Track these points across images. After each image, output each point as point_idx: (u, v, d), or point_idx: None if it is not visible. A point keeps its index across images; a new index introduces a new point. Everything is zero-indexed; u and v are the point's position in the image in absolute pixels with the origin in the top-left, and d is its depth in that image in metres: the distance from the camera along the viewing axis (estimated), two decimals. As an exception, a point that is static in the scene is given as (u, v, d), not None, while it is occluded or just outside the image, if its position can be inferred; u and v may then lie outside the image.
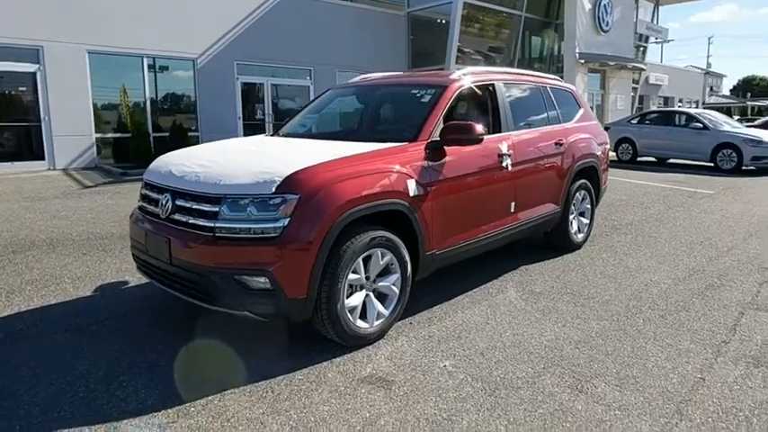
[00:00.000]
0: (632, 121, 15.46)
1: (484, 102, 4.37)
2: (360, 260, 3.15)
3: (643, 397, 2.69)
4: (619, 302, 4.01)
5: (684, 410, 2.56)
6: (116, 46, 12.89)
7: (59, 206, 7.79)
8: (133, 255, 3.66)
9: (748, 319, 3.68)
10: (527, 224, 4.60)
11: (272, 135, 4.61)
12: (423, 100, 3.98)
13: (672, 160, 14.43)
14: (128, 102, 13.15)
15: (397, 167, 3.36)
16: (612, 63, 21.22)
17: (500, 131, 4.33)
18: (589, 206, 5.61)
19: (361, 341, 3.24)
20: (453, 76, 4.17)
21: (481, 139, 3.70)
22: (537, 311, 3.82)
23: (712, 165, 12.88)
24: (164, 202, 3.22)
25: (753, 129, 14.72)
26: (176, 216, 3.14)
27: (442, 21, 19.67)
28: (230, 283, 2.90)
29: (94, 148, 12.93)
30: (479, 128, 3.64)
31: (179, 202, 3.15)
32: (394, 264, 3.36)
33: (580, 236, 5.50)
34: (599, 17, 20.65)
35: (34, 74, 12.11)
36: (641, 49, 26.29)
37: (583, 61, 20.00)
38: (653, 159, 14.89)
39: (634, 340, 3.35)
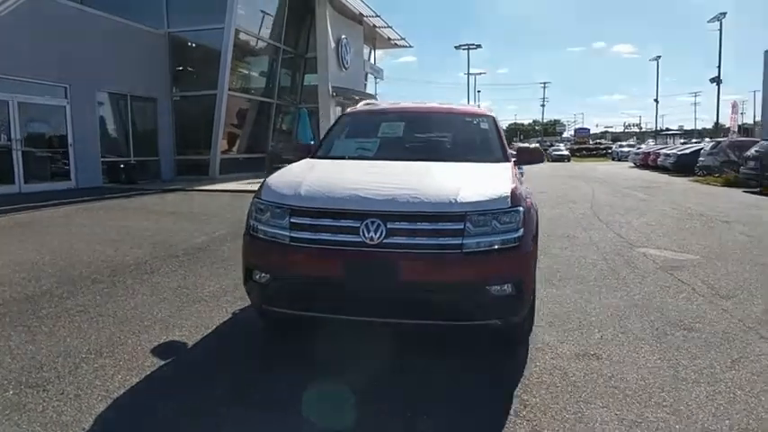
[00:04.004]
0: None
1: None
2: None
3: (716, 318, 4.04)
4: (610, 276, 5.39)
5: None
6: None
7: None
8: (298, 292, 3.21)
9: (639, 255, 5.52)
10: None
11: (322, 158, 4.42)
12: (483, 126, 4.62)
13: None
14: None
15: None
16: (357, 97, 23.98)
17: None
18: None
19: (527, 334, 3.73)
20: (485, 109, 4.92)
21: (543, 160, 4.58)
22: (574, 293, 4.88)
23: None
24: (371, 228, 3.05)
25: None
26: (395, 239, 3.06)
27: (192, 44, 19.11)
28: (481, 294, 3.06)
29: None
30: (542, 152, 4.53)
31: (396, 225, 3.07)
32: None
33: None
34: (341, 55, 23.15)
35: None
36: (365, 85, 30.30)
37: (334, 94, 22.11)
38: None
39: (642, 289, 4.75)
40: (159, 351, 3.53)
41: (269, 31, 20.59)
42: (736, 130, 35.11)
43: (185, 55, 18.74)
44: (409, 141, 4.57)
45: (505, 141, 4.50)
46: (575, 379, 3.14)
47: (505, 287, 3.12)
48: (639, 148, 35.91)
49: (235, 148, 19.77)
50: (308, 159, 4.38)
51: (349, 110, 5.07)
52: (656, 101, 60.11)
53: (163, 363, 3.35)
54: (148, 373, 3.20)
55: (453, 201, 3.12)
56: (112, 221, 8.86)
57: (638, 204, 11.76)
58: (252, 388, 3.05)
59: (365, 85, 29.38)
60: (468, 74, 63.74)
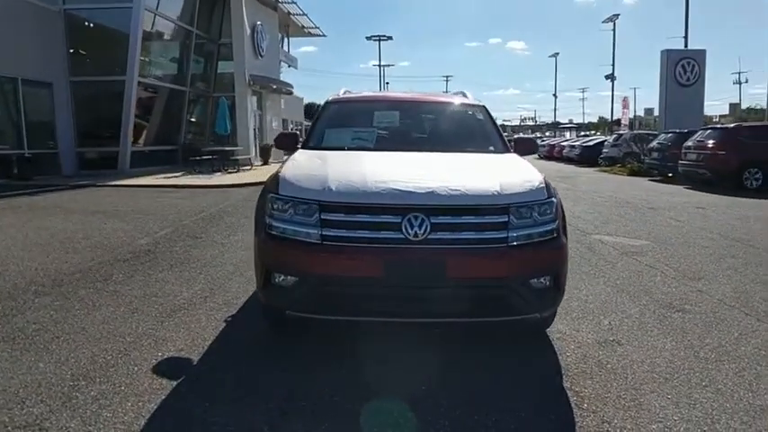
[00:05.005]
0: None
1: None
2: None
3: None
4: (584, 264, 5.58)
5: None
6: None
7: None
8: (331, 295, 2.97)
9: (597, 242, 5.85)
10: None
11: (316, 149, 4.08)
12: (479, 117, 4.54)
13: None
14: None
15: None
16: (274, 86, 23.17)
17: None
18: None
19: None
20: (474, 99, 4.85)
21: (536, 152, 4.60)
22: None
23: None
24: (414, 223, 2.87)
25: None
26: (439, 234, 2.90)
27: (93, 24, 17.40)
28: (526, 288, 2.99)
29: None
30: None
31: (440, 220, 2.91)
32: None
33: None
34: (257, 42, 22.14)
35: None
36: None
37: (251, 83, 21.15)
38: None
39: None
40: (163, 371, 3.10)
41: (180, 13, 19.23)
42: (627, 123, 38.56)
43: (86, 36, 16.96)
44: (408, 131, 4.41)
45: (502, 132, 4.49)
46: (611, 367, 3.18)
47: (543, 280, 3.09)
48: (543, 141, 38.21)
49: (144, 140, 18.27)
50: (303, 150, 4.06)
51: (332, 98, 4.77)
52: (555, 95, 64.69)
53: (175, 383, 2.94)
54: (163, 397, 2.79)
55: (497, 193, 3.02)
56: (29, 223, 7.79)
57: (566, 193, 12.39)
58: (289, 399, 2.77)
59: (280, 73, 28.50)
60: (381, 65, 63.59)
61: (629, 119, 41.98)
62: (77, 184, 12.86)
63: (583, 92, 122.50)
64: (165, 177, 14.95)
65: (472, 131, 4.48)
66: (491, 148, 4.18)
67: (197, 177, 15.36)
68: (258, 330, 3.73)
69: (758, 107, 61.89)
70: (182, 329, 3.74)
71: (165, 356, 3.31)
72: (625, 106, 38.40)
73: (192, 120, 21.99)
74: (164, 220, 8.10)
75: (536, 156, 36.71)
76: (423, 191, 2.97)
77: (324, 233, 2.94)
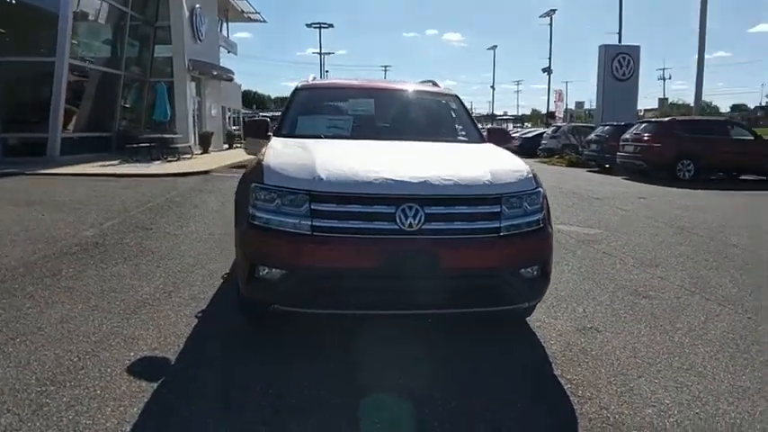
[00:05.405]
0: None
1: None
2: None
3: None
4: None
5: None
6: None
7: None
8: (321, 288, 2.87)
9: (554, 231, 6.06)
10: None
11: (289, 137, 3.90)
12: (452, 106, 4.52)
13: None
14: None
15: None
16: (215, 72, 22.28)
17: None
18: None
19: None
20: (446, 88, 4.82)
21: (510, 142, 4.64)
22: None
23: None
24: (408, 213, 2.80)
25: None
26: (434, 225, 2.85)
27: (13, 0, 16.04)
28: (516, 278, 3.00)
29: None
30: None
31: (434, 210, 2.85)
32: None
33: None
34: (196, 26, 21.16)
35: None
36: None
37: (191, 68, 20.23)
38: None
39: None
40: (139, 372, 2.89)
41: (114, -7, 18.03)
42: (562, 116, 40.08)
43: (10, 12, 15.56)
44: (384, 120, 4.32)
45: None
46: (596, 354, 3.25)
47: (532, 269, 3.11)
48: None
49: (74, 126, 17.06)
50: (279, 138, 3.88)
51: (301, 84, 4.59)
52: (493, 87, 65.91)
53: (155, 385, 2.74)
54: (145, 400, 2.59)
55: (489, 183, 3.00)
56: (-48, 214, 7.09)
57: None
58: (279, 396, 2.65)
59: (219, 59, 27.45)
60: (321, 53, 62.53)
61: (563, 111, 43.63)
62: (4, 172, 11.83)
63: (518, 84, 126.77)
64: (101, 166, 14.07)
65: (448, 120, 4.46)
66: (468, 137, 4.18)
67: (135, 166, 14.53)
68: (234, 325, 3.57)
69: (680, 102, 66.53)
70: (150, 327, 3.50)
71: (139, 356, 3.09)
72: (559, 99, 39.95)
73: (127, 105, 20.75)
74: (107, 211, 7.59)
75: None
76: (416, 180, 2.90)
77: (314, 224, 2.82)
